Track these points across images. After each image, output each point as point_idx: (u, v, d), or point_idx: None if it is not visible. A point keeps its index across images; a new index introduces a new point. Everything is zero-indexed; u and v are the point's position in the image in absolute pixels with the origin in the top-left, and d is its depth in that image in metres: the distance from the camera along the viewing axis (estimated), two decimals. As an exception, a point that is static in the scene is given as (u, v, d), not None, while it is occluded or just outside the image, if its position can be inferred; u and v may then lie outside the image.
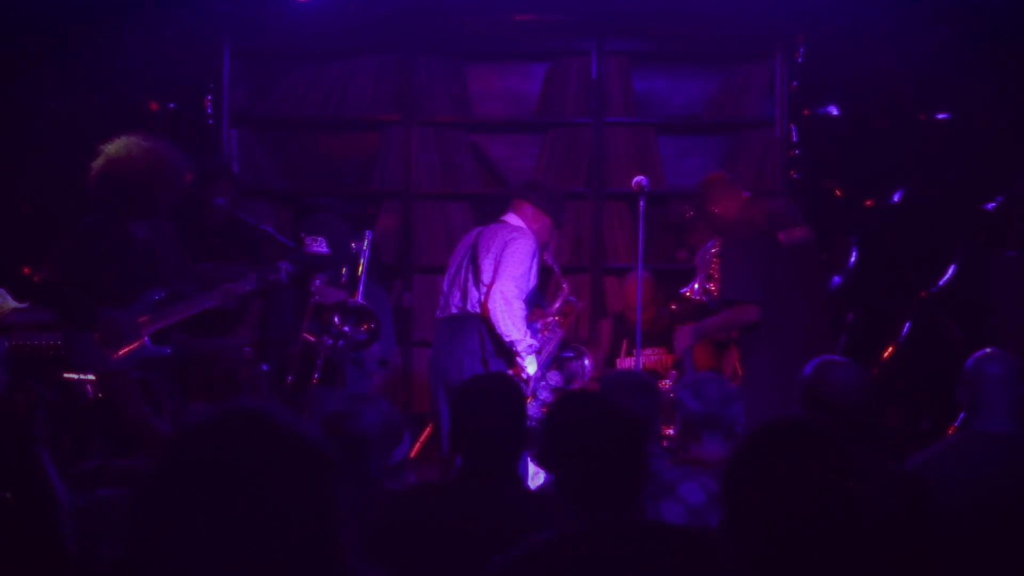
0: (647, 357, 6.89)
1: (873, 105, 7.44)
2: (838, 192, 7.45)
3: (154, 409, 4.06)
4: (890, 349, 7.43)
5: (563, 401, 3.18)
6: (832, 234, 7.20)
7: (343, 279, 5.82)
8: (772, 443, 2.11)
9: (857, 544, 1.99)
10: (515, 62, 7.88)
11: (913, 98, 7.33)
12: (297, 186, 7.72)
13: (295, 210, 7.53)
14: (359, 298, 5.65)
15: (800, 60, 7.49)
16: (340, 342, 5.43)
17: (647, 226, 6.34)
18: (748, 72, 7.71)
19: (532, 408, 5.87)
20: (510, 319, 5.87)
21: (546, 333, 6.15)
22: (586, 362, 6.32)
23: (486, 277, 6.04)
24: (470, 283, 6.10)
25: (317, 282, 5.62)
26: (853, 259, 7.28)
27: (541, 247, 6.19)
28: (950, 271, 7.39)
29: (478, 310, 6.04)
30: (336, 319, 5.43)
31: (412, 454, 5.93)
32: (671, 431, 6.10)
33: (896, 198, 7.50)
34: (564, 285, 6.44)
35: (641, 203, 6.18)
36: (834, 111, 7.57)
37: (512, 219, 6.24)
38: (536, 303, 6.22)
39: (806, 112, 7.57)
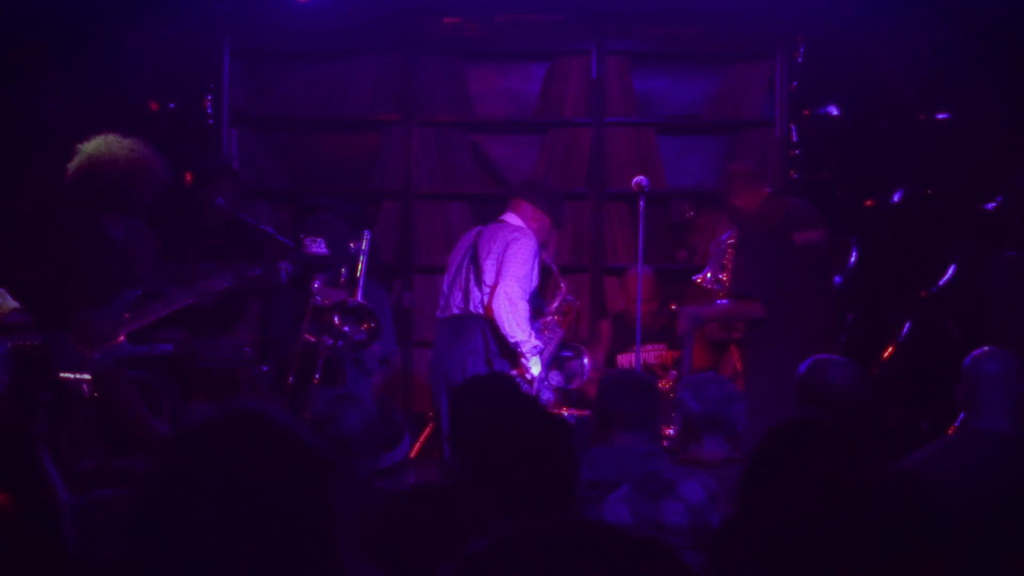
0: (647, 353, 6.89)
1: (873, 105, 7.44)
2: (838, 192, 7.45)
3: (153, 409, 4.05)
4: (890, 349, 7.42)
5: (488, 404, 3.14)
6: (832, 234, 7.20)
7: (342, 279, 5.82)
8: (793, 441, 2.11)
9: (870, 542, 2.00)
10: (515, 62, 7.88)
11: (913, 98, 7.33)
12: (297, 186, 7.71)
13: (295, 210, 7.53)
14: (359, 298, 5.64)
15: (800, 60, 7.49)
16: (340, 342, 5.43)
17: (647, 226, 6.34)
18: (748, 72, 7.71)
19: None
20: (515, 320, 5.88)
21: (546, 333, 6.15)
22: (585, 361, 6.32)
23: (488, 277, 6.05)
24: (471, 283, 6.10)
25: (317, 283, 5.61)
26: (853, 259, 7.28)
27: (540, 247, 6.20)
28: (950, 271, 7.39)
29: (480, 310, 6.04)
30: (336, 319, 5.43)
31: (412, 454, 5.92)
32: (671, 431, 6.11)
33: (896, 198, 7.50)
34: (562, 285, 6.44)
35: (641, 203, 6.19)
36: (834, 111, 7.57)
37: (512, 218, 6.25)
38: (535, 303, 6.23)
39: (806, 112, 7.57)
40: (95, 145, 5.37)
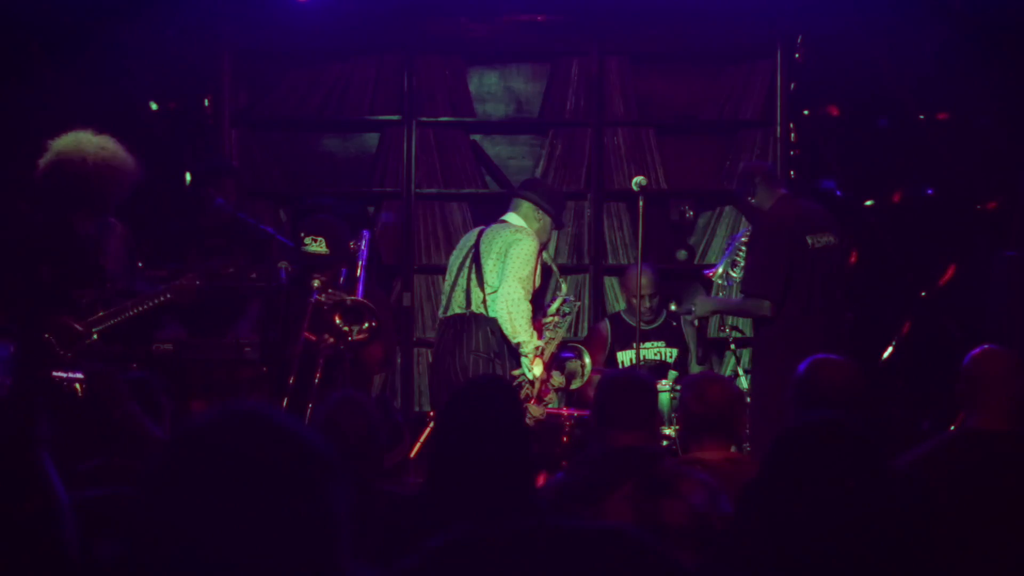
0: (647, 350, 6.90)
1: (873, 105, 7.45)
2: (838, 192, 7.46)
3: (154, 409, 4.05)
4: (890, 349, 7.43)
5: (448, 404, 3.11)
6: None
7: (342, 279, 5.82)
8: (811, 442, 2.12)
9: (882, 543, 2.00)
10: (515, 62, 7.88)
11: (913, 98, 7.34)
12: (297, 186, 7.71)
13: (295, 210, 7.53)
14: (359, 297, 5.64)
15: (800, 60, 7.50)
16: (341, 341, 5.42)
17: (647, 226, 6.35)
18: (748, 72, 7.71)
19: (536, 410, 5.88)
20: (517, 321, 5.89)
21: (548, 333, 6.15)
22: (586, 361, 6.32)
23: (490, 278, 6.05)
24: (473, 283, 6.10)
25: (317, 282, 5.61)
26: (853, 259, 7.28)
27: (543, 247, 6.21)
28: (950, 271, 7.39)
29: (482, 311, 6.05)
30: (337, 318, 5.42)
31: (412, 454, 5.93)
32: (671, 431, 6.12)
33: (896, 198, 7.50)
34: (563, 285, 6.45)
35: (641, 203, 6.20)
36: (834, 111, 7.58)
37: (513, 219, 6.26)
38: (536, 304, 6.23)
39: (806, 112, 7.58)
40: (64, 142, 5.31)
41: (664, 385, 6.34)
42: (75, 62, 6.90)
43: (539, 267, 6.18)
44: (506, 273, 5.97)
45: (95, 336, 5.10)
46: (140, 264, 5.78)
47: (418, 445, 6.57)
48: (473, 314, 6.06)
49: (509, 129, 7.91)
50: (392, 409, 6.14)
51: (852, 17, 7.15)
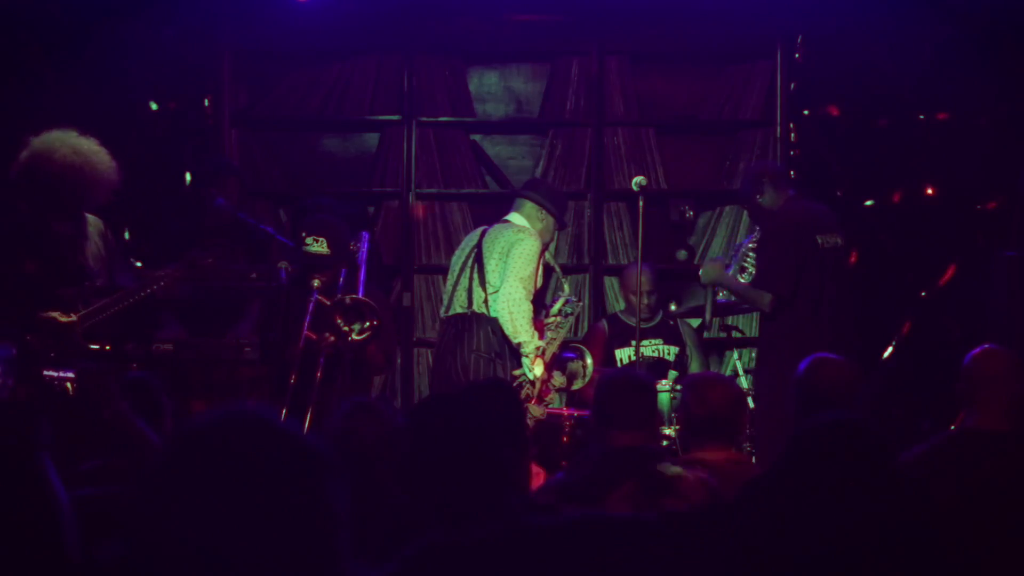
0: (645, 348, 6.90)
1: (873, 105, 7.45)
2: (838, 192, 7.46)
3: (154, 409, 4.05)
4: (890, 349, 7.43)
5: (417, 407, 3.10)
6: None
7: (341, 279, 5.81)
8: (825, 442, 2.12)
9: (892, 542, 2.01)
10: (515, 62, 7.88)
11: (913, 98, 7.34)
12: (297, 186, 7.71)
13: (295, 210, 7.53)
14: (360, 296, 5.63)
15: (800, 60, 7.50)
16: (341, 341, 5.42)
17: (647, 226, 6.35)
18: (748, 72, 7.71)
19: (537, 410, 5.89)
20: (518, 321, 5.89)
21: (549, 334, 6.15)
22: (588, 362, 6.32)
23: (492, 278, 6.05)
24: (475, 283, 6.10)
25: (317, 282, 5.61)
26: (853, 259, 7.28)
27: (545, 247, 6.21)
28: (950, 271, 7.40)
29: (483, 310, 6.05)
30: (337, 317, 5.42)
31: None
32: (671, 431, 6.12)
33: (896, 198, 7.50)
34: (565, 286, 6.45)
35: (641, 203, 6.20)
36: (834, 111, 7.58)
37: (516, 219, 6.26)
38: (537, 304, 6.23)
39: (806, 112, 7.58)
40: (41, 140, 5.27)
41: (664, 385, 6.34)
42: (75, 62, 6.90)
43: (541, 267, 6.18)
44: (508, 273, 5.97)
45: (79, 335, 5.06)
46: (139, 264, 5.77)
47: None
48: (475, 314, 6.06)
49: (509, 129, 7.91)
50: (392, 409, 6.13)
51: (852, 17, 7.15)
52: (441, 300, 6.62)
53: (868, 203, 7.47)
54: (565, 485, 3.87)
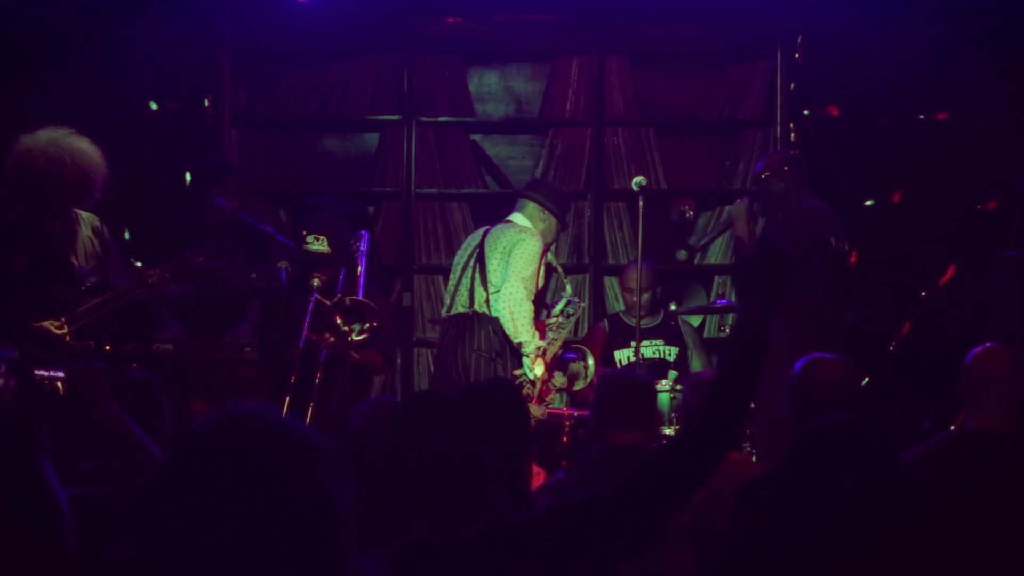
0: (645, 348, 6.90)
1: (873, 105, 7.45)
2: (838, 192, 7.46)
3: (155, 409, 4.04)
4: (890, 349, 7.43)
5: (402, 407, 3.09)
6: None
7: (341, 278, 5.81)
8: (830, 443, 2.13)
9: (893, 540, 2.02)
10: (515, 62, 7.88)
11: (913, 98, 7.34)
12: (297, 186, 7.72)
13: (295, 210, 7.53)
14: (360, 296, 5.64)
15: (800, 60, 7.50)
16: (342, 341, 5.42)
17: (647, 226, 6.35)
18: (748, 72, 7.72)
19: (538, 410, 5.89)
20: (519, 321, 5.89)
21: (550, 334, 6.16)
22: (589, 363, 6.33)
23: (493, 278, 6.06)
24: (477, 283, 6.11)
25: (317, 281, 5.61)
26: (853, 259, 7.28)
27: (547, 247, 6.22)
28: (950, 271, 7.40)
29: (485, 310, 6.05)
30: (338, 317, 5.42)
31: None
32: (671, 431, 6.12)
33: (896, 198, 7.50)
34: (567, 286, 6.45)
35: (641, 203, 6.20)
36: (834, 111, 7.58)
37: (518, 219, 6.26)
38: (538, 304, 6.24)
39: (806, 112, 7.58)
40: (27, 139, 5.24)
41: (664, 385, 6.33)
42: (75, 62, 6.90)
43: (543, 267, 6.18)
44: (509, 273, 5.98)
45: (68, 337, 5.05)
46: (139, 264, 5.76)
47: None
48: (476, 313, 6.07)
49: (509, 129, 7.91)
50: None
51: (852, 17, 7.16)
52: (442, 300, 6.62)
53: (868, 203, 7.47)
54: (565, 485, 3.87)
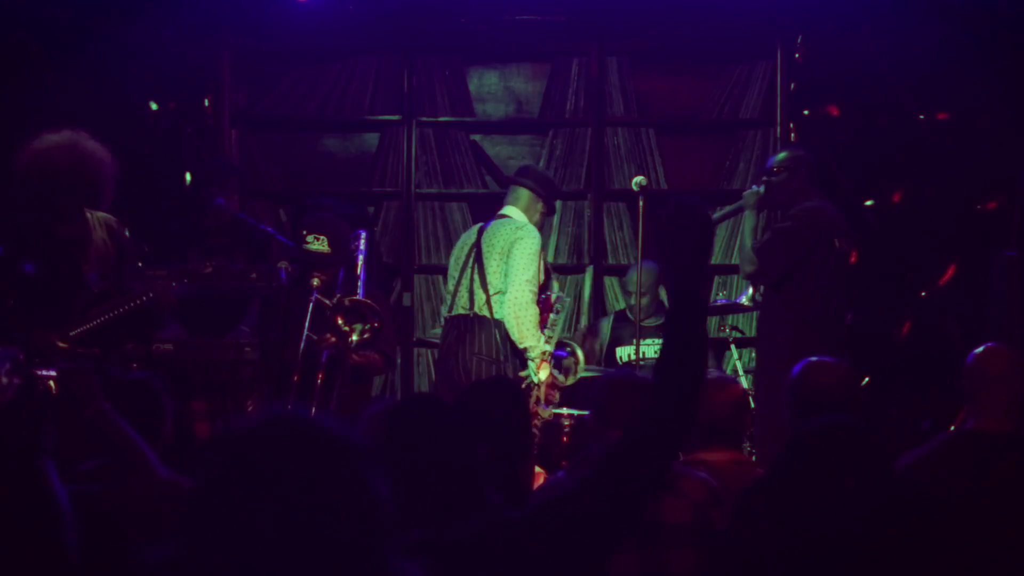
0: (647, 347, 6.90)
1: (873, 105, 7.45)
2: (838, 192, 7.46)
3: (155, 409, 4.04)
4: (890, 349, 7.43)
5: (395, 408, 3.09)
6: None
7: (340, 278, 5.81)
8: (823, 445, 2.13)
9: (890, 542, 2.02)
10: (515, 62, 7.88)
11: (913, 98, 7.34)
12: (297, 186, 7.72)
13: (295, 210, 7.53)
14: (360, 296, 5.63)
15: (799, 60, 7.50)
16: (342, 342, 5.42)
17: (647, 226, 6.35)
18: (748, 72, 7.72)
19: (546, 412, 5.89)
20: (525, 325, 5.89)
21: (547, 332, 6.15)
22: (579, 356, 6.35)
23: (493, 279, 6.04)
24: (476, 284, 6.09)
25: (317, 281, 5.61)
26: (853, 259, 7.28)
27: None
28: (950, 271, 7.40)
29: (485, 312, 6.04)
30: (339, 317, 5.42)
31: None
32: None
33: (896, 198, 7.50)
34: (554, 283, 6.44)
35: (641, 203, 6.20)
36: (834, 111, 7.58)
37: (513, 212, 6.25)
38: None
39: (806, 112, 7.58)
40: (36, 142, 5.20)
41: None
42: (75, 62, 6.90)
43: (543, 263, 6.19)
44: (511, 276, 5.96)
45: (68, 345, 5.03)
46: (140, 264, 5.74)
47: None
48: (476, 315, 6.05)
49: (509, 129, 7.91)
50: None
51: (852, 16, 7.16)
52: (442, 299, 6.62)
53: (868, 203, 7.47)
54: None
